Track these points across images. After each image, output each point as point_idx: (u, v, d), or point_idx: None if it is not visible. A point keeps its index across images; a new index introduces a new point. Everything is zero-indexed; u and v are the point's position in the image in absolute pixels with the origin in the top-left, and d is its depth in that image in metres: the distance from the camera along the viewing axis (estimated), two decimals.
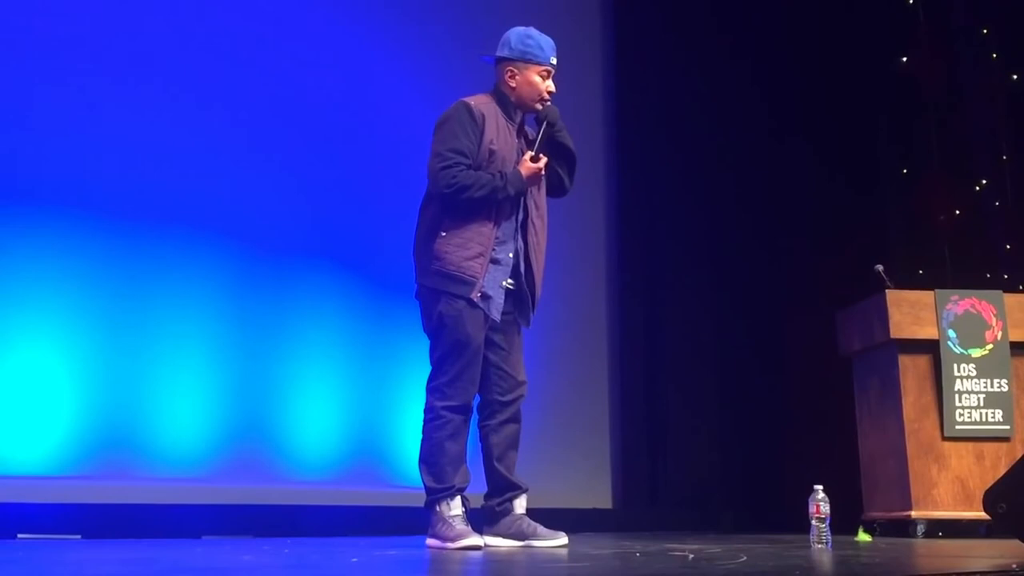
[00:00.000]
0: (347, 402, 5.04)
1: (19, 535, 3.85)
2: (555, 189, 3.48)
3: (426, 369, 3.29)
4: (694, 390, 6.20)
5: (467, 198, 3.18)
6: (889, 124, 6.01)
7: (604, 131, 6.41)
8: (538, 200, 3.39)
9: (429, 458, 3.21)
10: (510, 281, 3.29)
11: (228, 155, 4.91)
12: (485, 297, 3.21)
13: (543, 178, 3.37)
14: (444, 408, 3.20)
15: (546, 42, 3.36)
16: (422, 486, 3.24)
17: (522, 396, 3.36)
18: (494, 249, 3.24)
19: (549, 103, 3.35)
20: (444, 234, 3.22)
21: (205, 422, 4.62)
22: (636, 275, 6.34)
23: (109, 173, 4.58)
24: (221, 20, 5.03)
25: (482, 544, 3.11)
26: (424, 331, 3.31)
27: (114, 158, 4.60)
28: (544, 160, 3.29)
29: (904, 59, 5.95)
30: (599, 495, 5.90)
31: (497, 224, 3.25)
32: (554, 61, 3.34)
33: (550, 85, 3.34)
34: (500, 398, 3.32)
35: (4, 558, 2.63)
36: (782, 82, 6.27)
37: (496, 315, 3.24)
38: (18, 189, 4.39)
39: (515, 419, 3.35)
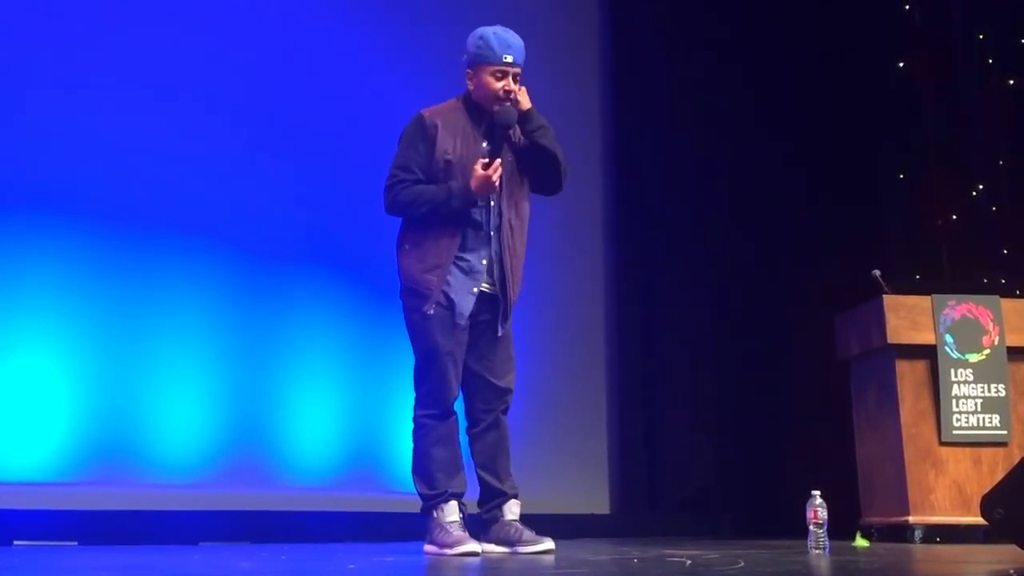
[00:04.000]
0: (344, 408, 5.04)
1: (15, 542, 3.84)
2: (541, 188, 3.33)
3: None
4: (692, 394, 6.20)
5: (410, 216, 3.18)
6: (886, 129, 6.02)
7: (602, 132, 6.41)
8: (519, 203, 3.25)
9: (418, 467, 3.21)
10: (485, 286, 3.19)
11: (224, 161, 4.91)
12: (447, 306, 3.13)
13: (523, 182, 3.25)
14: (424, 416, 3.20)
15: (499, 40, 3.13)
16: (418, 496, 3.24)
17: (505, 405, 3.28)
18: (461, 257, 3.14)
19: (508, 104, 3.15)
20: (407, 247, 3.22)
21: (202, 428, 4.61)
22: (634, 278, 6.34)
23: (106, 178, 4.57)
24: (219, 26, 5.02)
25: (479, 551, 3.10)
26: None
27: (111, 163, 4.59)
28: (496, 166, 3.07)
29: (901, 64, 5.96)
30: (596, 500, 5.88)
31: (461, 233, 3.15)
32: (509, 59, 3.12)
33: (508, 83, 3.14)
34: (482, 406, 3.27)
35: (1, 564, 2.63)
36: (780, 87, 6.27)
37: (461, 321, 3.15)
38: (15, 193, 4.38)
39: (496, 426, 3.27)
